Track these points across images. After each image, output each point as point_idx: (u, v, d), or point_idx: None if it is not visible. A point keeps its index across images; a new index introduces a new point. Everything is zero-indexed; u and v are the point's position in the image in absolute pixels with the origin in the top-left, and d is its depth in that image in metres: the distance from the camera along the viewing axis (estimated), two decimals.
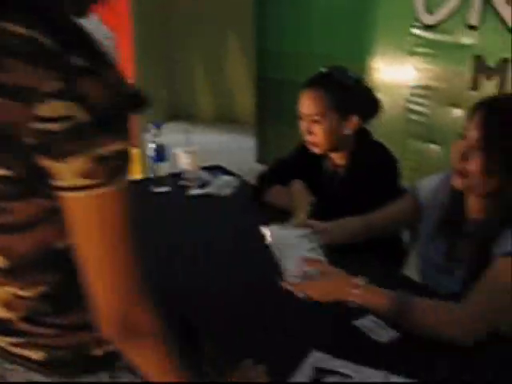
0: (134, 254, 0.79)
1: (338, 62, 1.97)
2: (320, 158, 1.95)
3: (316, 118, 1.79)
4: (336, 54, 4.01)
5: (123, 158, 0.76)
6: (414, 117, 3.68)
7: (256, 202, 1.98)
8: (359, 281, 1.26)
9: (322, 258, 1.33)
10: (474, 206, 1.43)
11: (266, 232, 1.36)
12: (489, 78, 3.19)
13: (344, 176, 1.88)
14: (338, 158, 1.91)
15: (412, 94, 3.66)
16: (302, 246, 1.35)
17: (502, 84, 3.13)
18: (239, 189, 2.14)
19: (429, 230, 1.56)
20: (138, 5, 4.18)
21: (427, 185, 1.60)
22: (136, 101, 0.79)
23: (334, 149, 1.86)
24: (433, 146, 3.55)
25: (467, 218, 1.46)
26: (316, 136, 1.82)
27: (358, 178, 1.79)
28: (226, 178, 2.21)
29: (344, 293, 1.25)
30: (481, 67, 3.22)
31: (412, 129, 3.70)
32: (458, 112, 3.38)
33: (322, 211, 1.72)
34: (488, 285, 1.25)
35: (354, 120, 1.81)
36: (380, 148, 1.86)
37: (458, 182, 1.37)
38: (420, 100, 3.61)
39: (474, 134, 1.30)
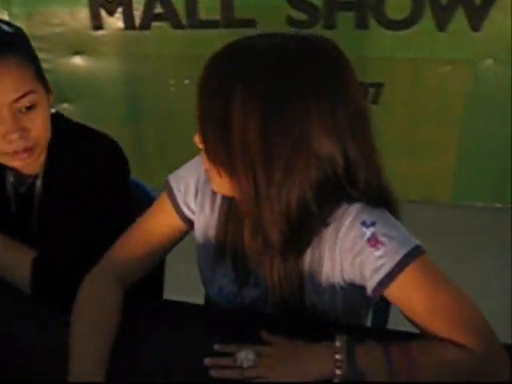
0: None
1: None
2: None
3: (26, 101, 1.06)
4: None
5: None
6: None
7: None
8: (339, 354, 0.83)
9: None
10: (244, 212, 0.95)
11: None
12: (111, 12, 2.71)
13: (43, 191, 1.21)
14: (29, 165, 1.19)
15: None
16: None
17: (127, 16, 2.70)
18: None
19: (207, 252, 1.06)
20: None
21: (186, 183, 1.04)
22: None
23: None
24: (66, 106, 2.93)
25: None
26: (34, 131, 1.09)
27: (67, 188, 1.14)
28: None
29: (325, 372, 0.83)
30: (97, 1, 2.70)
31: None
32: (84, 60, 2.84)
33: None
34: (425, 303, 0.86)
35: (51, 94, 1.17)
36: (89, 133, 1.23)
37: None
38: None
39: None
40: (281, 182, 0.82)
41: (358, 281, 0.91)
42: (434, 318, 0.84)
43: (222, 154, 0.84)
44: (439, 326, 0.84)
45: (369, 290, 0.89)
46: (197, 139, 0.89)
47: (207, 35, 2.64)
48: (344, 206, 0.89)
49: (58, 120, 1.19)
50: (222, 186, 0.90)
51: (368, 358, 0.82)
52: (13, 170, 1.20)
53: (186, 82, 2.77)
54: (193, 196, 1.03)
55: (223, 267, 1.03)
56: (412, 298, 0.85)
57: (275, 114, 0.79)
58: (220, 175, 0.87)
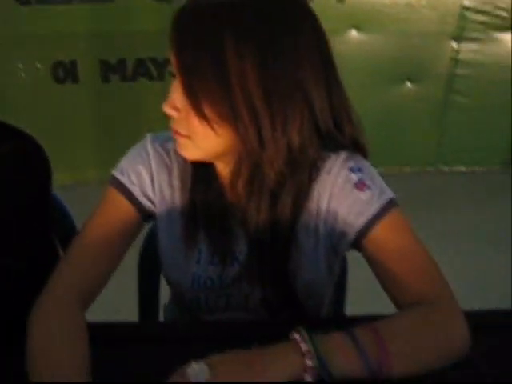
0: None
1: None
2: None
3: None
4: None
5: None
6: None
7: None
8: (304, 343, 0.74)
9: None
10: (225, 180, 0.92)
11: None
12: None
13: None
14: None
15: None
16: None
17: None
18: None
19: (174, 238, 0.97)
20: None
21: (137, 173, 0.93)
22: None
23: None
24: None
25: (226, 202, 0.93)
26: None
27: None
28: None
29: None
30: None
31: None
32: None
33: None
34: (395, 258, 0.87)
35: None
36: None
37: (179, 144, 0.87)
38: None
39: (173, 60, 0.82)
40: (283, 123, 0.81)
41: (340, 227, 0.91)
42: (404, 265, 0.86)
43: (224, 104, 0.79)
44: (407, 272, 0.86)
45: (351, 235, 0.89)
46: (168, 105, 0.82)
47: (60, 10, 2.36)
48: (331, 153, 0.91)
49: None
50: (209, 143, 0.83)
51: (332, 344, 0.75)
52: None
53: (38, 65, 2.46)
54: (149, 185, 0.94)
55: (195, 251, 0.95)
56: (390, 243, 0.87)
57: (271, 57, 0.78)
58: (214, 130, 0.80)
